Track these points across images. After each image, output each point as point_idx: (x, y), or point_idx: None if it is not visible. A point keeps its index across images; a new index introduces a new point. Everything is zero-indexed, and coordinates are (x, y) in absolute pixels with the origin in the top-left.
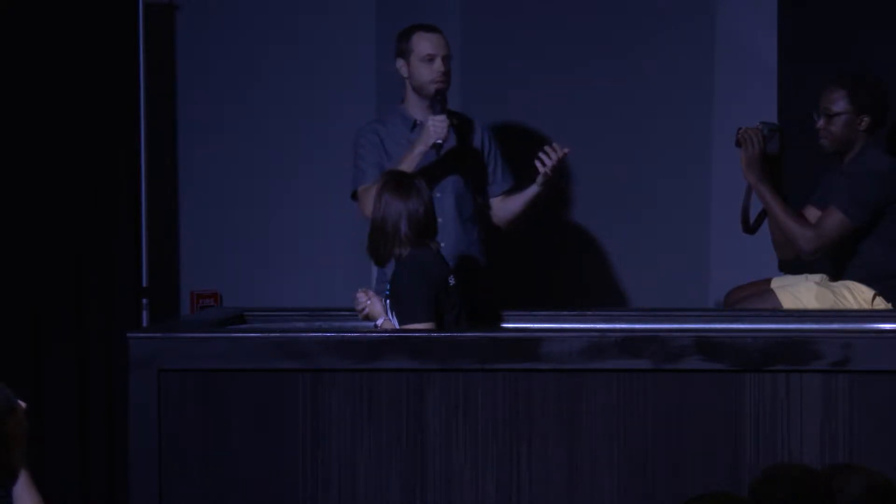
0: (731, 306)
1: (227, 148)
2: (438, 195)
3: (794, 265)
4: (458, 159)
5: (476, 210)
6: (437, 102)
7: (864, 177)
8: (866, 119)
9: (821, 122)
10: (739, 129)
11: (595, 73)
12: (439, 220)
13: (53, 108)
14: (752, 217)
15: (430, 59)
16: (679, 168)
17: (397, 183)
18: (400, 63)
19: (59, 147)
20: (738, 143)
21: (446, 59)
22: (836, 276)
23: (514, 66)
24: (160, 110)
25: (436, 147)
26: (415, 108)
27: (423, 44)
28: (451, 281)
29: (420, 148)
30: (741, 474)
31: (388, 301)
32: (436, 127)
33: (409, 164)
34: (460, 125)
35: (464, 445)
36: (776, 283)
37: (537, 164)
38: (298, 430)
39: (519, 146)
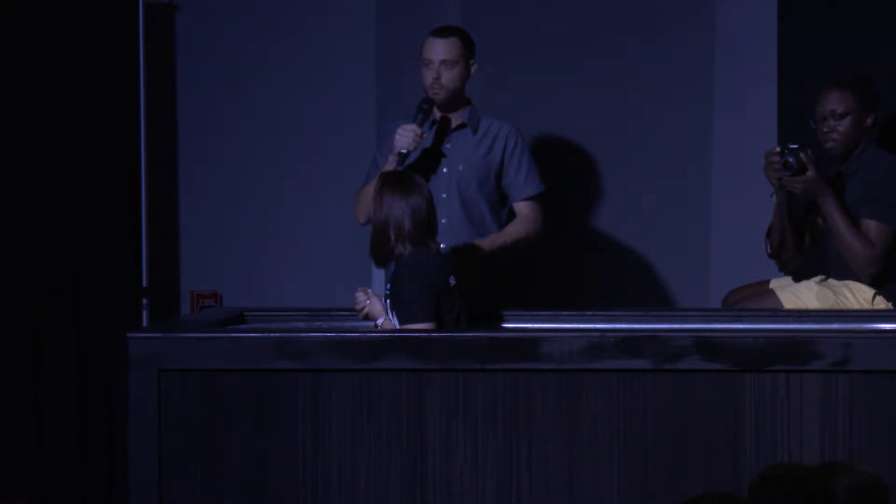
0: (731, 307)
1: (227, 148)
2: (444, 195)
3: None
4: (470, 161)
5: (491, 213)
6: (420, 112)
7: (882, 178)
8: (872, 117)
9: (827, 125)
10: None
11: (595, 72)
12: (443, 220)
13: (54, 109)
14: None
15: (427, 63)
16: (679, 168)
17: (397, 181)
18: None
19: (59, 147)
20: (787, 166)
21: (441, 66)
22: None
23: (514, 66)
24: (160, 110)
25: (400, 157)
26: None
27: (425, 47)
28: (452, 281)
29: (391, 158)
30: (741, 474)
31: (388, 301)
32: (400, 136)
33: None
34: (481, 126)
35: (464, 445)
36: (776, 283)
37: None
38: (298, 430)
39: None
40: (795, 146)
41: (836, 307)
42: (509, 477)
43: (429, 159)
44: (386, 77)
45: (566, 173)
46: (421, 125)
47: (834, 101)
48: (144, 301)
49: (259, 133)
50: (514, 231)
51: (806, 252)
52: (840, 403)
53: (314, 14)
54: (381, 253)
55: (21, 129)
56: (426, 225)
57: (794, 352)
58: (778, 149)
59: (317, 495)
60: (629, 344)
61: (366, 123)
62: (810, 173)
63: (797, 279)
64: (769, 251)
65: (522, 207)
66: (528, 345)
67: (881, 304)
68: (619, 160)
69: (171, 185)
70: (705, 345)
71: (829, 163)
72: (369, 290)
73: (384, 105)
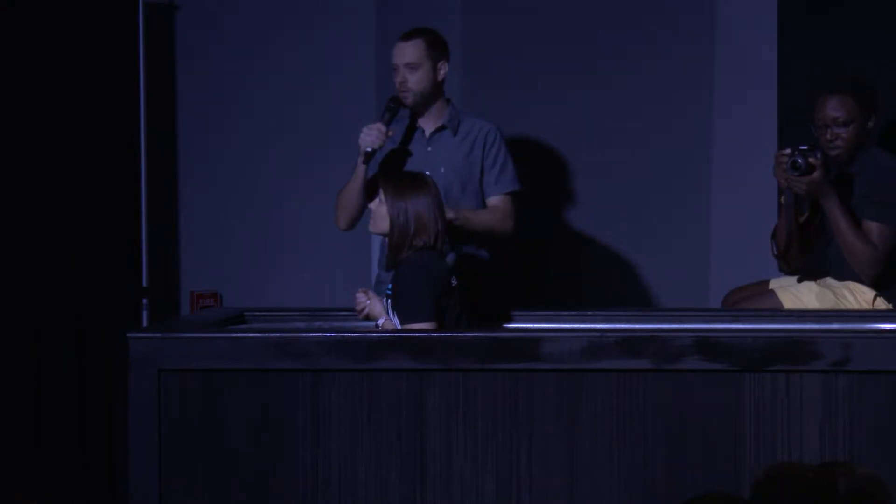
0: (731, 307)
1: (227, 148)
2: None
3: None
4: (452, 163)
5: None
6: (388, 111)
7: (884, 179)
8: (873, 118)
9: (831, 132)
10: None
11: (595, 72)
12: None
13: (54, 108)
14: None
15: (394, 68)
16: (679, 168)
17: (411, 183)
18: None
19: (59, 147)
20: (795, 167)
21: (405, 69)
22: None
23: (514, 66)
24: (160, 110)
25: (366, 156)
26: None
27: (392, 52)
28: (454, 282)
29: (359, 159)
30: (741, 474)
31: (388, 301)
32: (364, 134)
33: (355, 179)
34: (462, 127)
35: (464, 445)
36: (776, 284)
37: None
38: (298, 430)
39: (518, 146)
40: (805, 147)
41: (836, 308)
42: (509, 477)
43: (403, 160)
44: (386, 77)
45: (566, 173)
46: (387, 124)
47: (835, 108)
48: (144, 301)
49: (259, 133)
50: (483, 217)
51: (810, 253)
52: (840, 403)
53: (314, 14)
54: (400, 255)
55: (21, 129)
56: (444, 225)
57: (794, 352)
58: (788, 150)
59: (317, 495)
60: (629, 344)
61: (365, 124)
62: (816, 174)
63: (799, 280)
64: (775, 252)
65: (495, 201)
66: (528, 345)
67: (882, 305)
68: (620, 160)
69: (171, 185)
70: (705, 345)
71: (832, 165)
72: (369, 291)
73: (384, 105)
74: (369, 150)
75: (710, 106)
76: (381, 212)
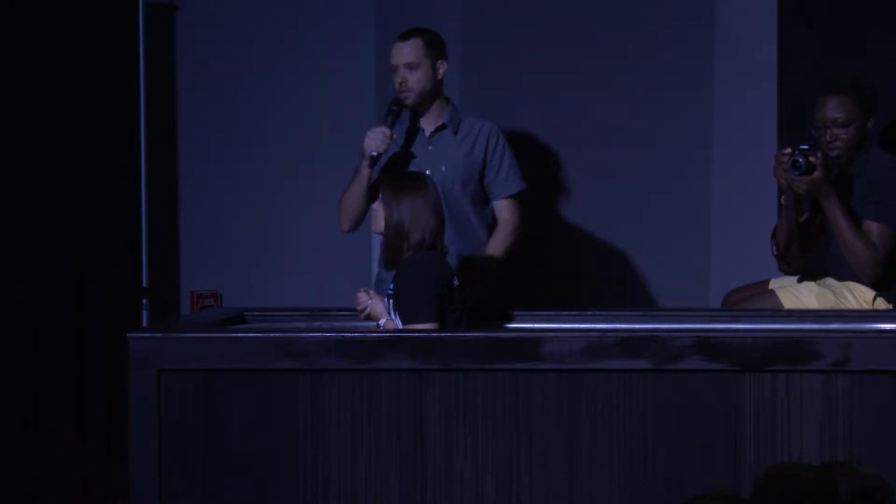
0: (731, 307)
1: (227, 148)
2: None
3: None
4: (453, 162)
5: (475, 212)
6: (390, 114)
7: (884, 179)
8: (873, 118)
9: (830, 133)
10: (791, 154)
11: (595, 73)
12: None
13: (53, 108)
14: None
15: (393, 69)
16: (679, 168)
17: (410, 182)
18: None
19: (59, 147)
20: (796, 166)
21: (405, 69)
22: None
23: (514, 66)
24: (160, 110)
25: (371, 160)
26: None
27: (391, 53)
28: (455, 282)
29: (363, 162)
30: (741, 474)
31: (390, 301)
32: (369, 138)
33: (359, 182)
34: (462, 126)
35: (464, 445)
36: (776, 284)
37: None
38: (298, 431)
39: (519, 146)
40: (806, 147)
41: (836, 308)
42: (509, 477)
43: (406, 162)
44: (386, 77)
45: (566, 173)
46: (391, 126)
47: (834, 109)
48: (144, 301)
49: (259, 133)
50: (500, 242)
51: (810, 253)
52: (840, 403)
53: (314, 15)
54: (396, 256)
55: (21, 129)
56: (440, 224)
57: (794, 352)
58: (789, 149)
59: (317, 495)
60: (629, 344)
61: (366, 124)
62: (817, 174)
63: (799, 280)
64: (775, 252)
65: (502, 208)
66: (528, 345)
67: (882, 305)
68: (620, 160)
69: (171, 185)
70: (705, 345)
71: (832, 165)
72: (371, 291)
73: (384, 105)
74: (374, 153)
75: (710, 106)
76: (381, 211)
